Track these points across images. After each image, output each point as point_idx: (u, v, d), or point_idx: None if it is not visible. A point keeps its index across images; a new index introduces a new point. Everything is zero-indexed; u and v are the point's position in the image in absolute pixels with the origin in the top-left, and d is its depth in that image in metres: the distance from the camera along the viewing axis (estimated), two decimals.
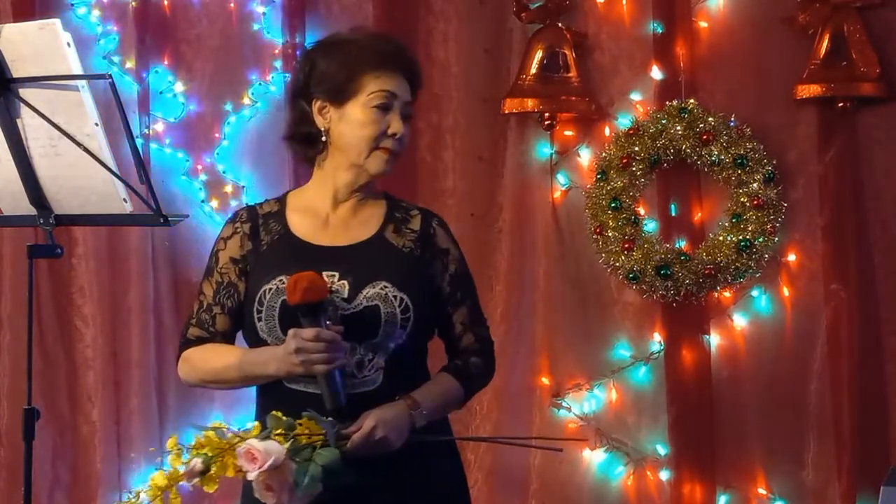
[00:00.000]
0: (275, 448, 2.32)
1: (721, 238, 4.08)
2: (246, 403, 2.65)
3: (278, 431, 2.35)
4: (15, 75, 2.50)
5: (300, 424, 2.38)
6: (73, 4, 4.42)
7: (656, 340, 4.18)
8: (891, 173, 4.06)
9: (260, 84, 4.40)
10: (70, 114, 2.50)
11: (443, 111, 4.33)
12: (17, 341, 4.39)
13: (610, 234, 4.12)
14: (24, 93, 2.51)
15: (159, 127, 4.43)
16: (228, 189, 4.42)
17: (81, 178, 2.56)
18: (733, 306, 4.15)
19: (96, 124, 2.50)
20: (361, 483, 2.42)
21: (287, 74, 4.24)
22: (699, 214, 4.18)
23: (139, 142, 4.26)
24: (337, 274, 2.52)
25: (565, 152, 4.26)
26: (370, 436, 2.41)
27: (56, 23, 2.47)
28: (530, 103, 4.18)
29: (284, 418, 2.37)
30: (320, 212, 2.63)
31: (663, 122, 4.10)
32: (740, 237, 4.05)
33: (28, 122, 2.54)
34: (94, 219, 2.74)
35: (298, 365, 2.43)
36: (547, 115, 4.17)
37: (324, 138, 2.59)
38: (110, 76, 2.50)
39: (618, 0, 4.22)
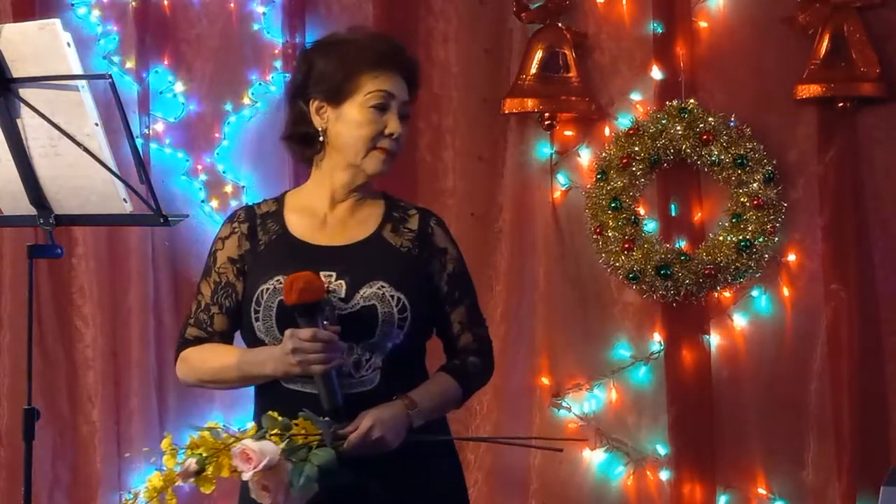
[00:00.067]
0: (270, 448, 2.32)
1: (721, 238, 4.08)
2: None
3: (274, 431, 2.35)
4: (15, 75, 2.50)
5: (296, 424, 2.38)
6: (73, 4, 4.42)
7: (656, 340, 4.18)
8: (891, 173, 4.06)
9: (260, 84, 4.40)
10: (70, 114, 2.50)
11: (443, 111, 4.33)
12: (17, 341, 4.39)
13: (610, 234, 4.12)
14: (24, 93, 2.51)
15: (159, 127, 4.43)
16: (228, 189, 4.42)
17: (81, 178, 2.56)
18: (733, 306, 4.15)
19: (96, 124, 2.50)
20: (358, 483, 2.43)
21: (287, 74, 4.24)
22: (699, 214, 4.18)
23: (139, 142, 4.26)
24: (334, 274, 2.52)
25: (565, 152, 4.26)
26: (367, 436, 2.41)
27: (56, 23, 2.47)
28: (530, 103, 4.18)
29: (280, 418, 2.37)
30: (318, 212, 2.63)
31: (663, 122, 4.10)
32: (740, 237, 4.05)
33: (28, 122, 2.55)
34: (94, 219, 2.74)
35: (295, 365, 2.43)
36: (547, 115, 4.17)
37: (321, 138, 2.59)
38: (110, 76, 2.50)
39: (618, 0, 4.22)
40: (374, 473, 2.47)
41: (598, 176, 4.15)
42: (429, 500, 2.58)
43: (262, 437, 2.34)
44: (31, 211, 2.63)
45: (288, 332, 2.43)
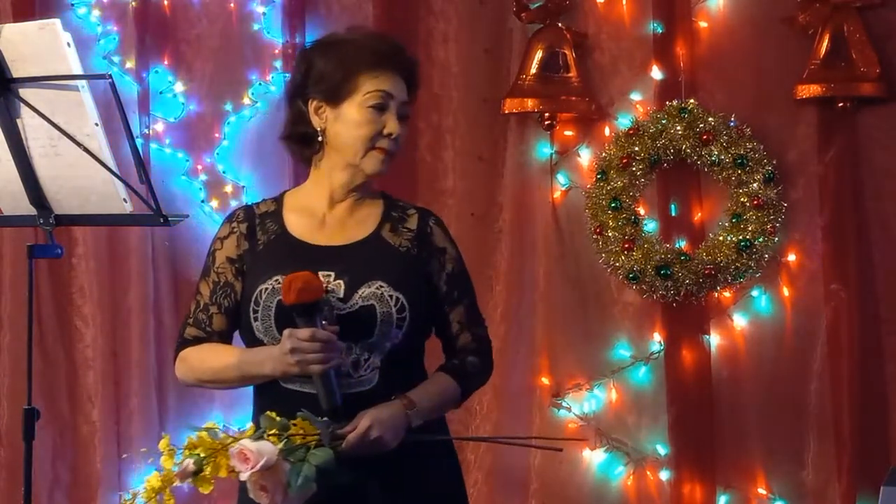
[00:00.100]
0: (267, 448, 2.32)
1: (721, 238, 4.08)
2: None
3: (272, 432, 2.35)
4: (15, 75, 2.50)
5: (294, 425, 2.38)
6: (73, 4, 4.42)
7: (656, 340, 4.18)
8: (891, 173, 4.06)
9: (260, 84, 4.40)
10: (70, 114, 2.50)
11: (443, 111, 4.33)
12: (17, 341, 4.39)
13: (610, 234, 4.12)
14: (24, 93, 2.51)
15: (159, 127, 4.43)
16: (228, 189, 4.42)
17: (81, 178, 2.56)
18: (733, 306, 4.15)
19: (96, 124, 2.50)
20: (357, 483, 2.43)
21: (287, 74, 4.24)
22: (699, 214, 4.18)
23: (139, 142, 4.26)
24: (333, 273, 2.52)
25: (565, 152, 4.26)
26: (365, 436, 2.41)
27: (56, 23, 2.47)
28: (530, 103, 4.18)
29: (278, 418, 2.38)
30: (317, 211, 2.63)
31: (663, 122, 4.10)
32: (740, 237, 4.05)
33: (28, 122, 2.55)
34: (94, 219, 2.74)
35: (294, 365, 2.43)
36: (547, 115, 4.17)
37: (320, 138, 2.59)
38: (110, 76, 2.50)
39: (618, 0, 4.22)
40: (373, 473, 2.47)
41: (598, 176, 4.15)
42: (427, 499, 2.58)
43: (260, 438, 2.34)
44: (31, 211, 2.63)
45: (286, 331, 2.43)
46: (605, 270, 4.18)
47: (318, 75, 2.58)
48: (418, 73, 2.66)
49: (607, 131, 4.22)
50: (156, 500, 2.31)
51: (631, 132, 4.13)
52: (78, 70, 2.48)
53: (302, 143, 2.63)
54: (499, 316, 4.24)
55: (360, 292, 2.51)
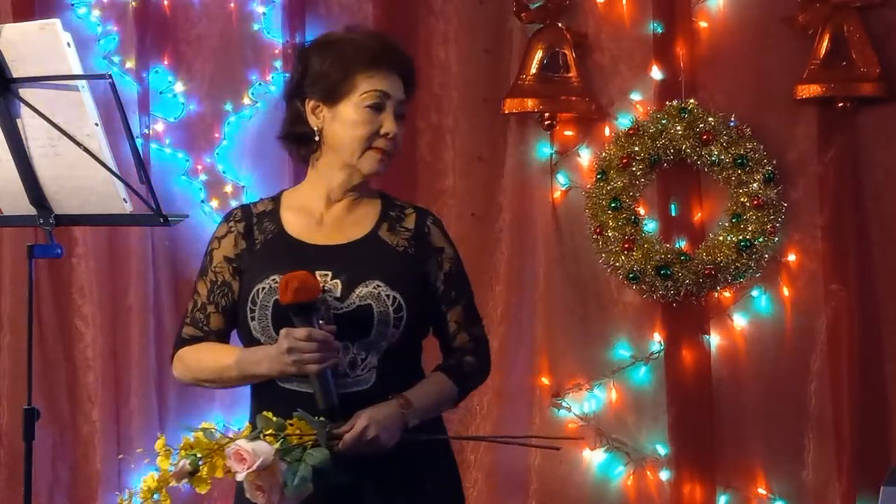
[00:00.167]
0: (263, 448, 2.32)
1: (721, 238, 4.08)
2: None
3: (269, 432, 2.35)
4: (15, 75, 2.50)
5: (291, 424, 2.38)
6: (73, 4, 4.42)
7: (656, 340, 4.18)
8: (891, 173, 4.06)
9: (260, 84, 4.40)
10: (70, 114, 2.50)
11: (443, 111, 4.33)
12: (17, 341, 4.39)
13: (610, 234, 4.12)
14: (24, 93, 2.51)
15: (159, 127, 4.43)
16: (228, 189, 4.42)
17: (81, 178, 2.56)
18: (733, 306, 4.15)
19: (96, 124, 2.51)
20: (353, 483, 2.43)
21: (287, 74, 4.24)
22: (699, 214, 4.18)
23: (139, 142, 4.26)
24: (330, 273, 2.52)
25: (565, 152, 4.26)
26: (362, 435, 2.41)
27: (56, 23, 2.47)
28: (530, 103, 4.18)
29: (275, 418, 2.38)
30: (314, 211, 2.63)
31: (663, 122, 4.10)
32: (740, 237, 4.05)
33: (28, 122, 2.55)
34: (94, 219, 2.74)
35: (291, 364, 2.43)
36: (547, 115, 4.17)
37: (317, 138, 2.59)
38: (110, 76, 2.51)
39: (618, 0, 4.22)
40: (369, 473, 2.47)
41: (598, 176, 4.15)
42: (424, 499, 2.58)
43: (257, 438, 2.34)
44: (31, 211, 2.63)
45: (283, 331, 2.43)
46: (605, 270, 4.18)
47: (315, 75, 2.58)
48: (415, 72, 2.65)
49: (607, 131, 4.22)
50: (151, 500, 2.32)
51: (631, 132, 4.13)
52: (78, 70, 2.48)
53: (299, 143, 2.63)
54: (499, 316, 4.24)
55: (357, 292, 2.51)
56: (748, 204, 4.06)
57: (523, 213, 4.27)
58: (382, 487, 2.51)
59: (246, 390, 2.65)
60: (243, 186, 4.41)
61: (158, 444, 2.35)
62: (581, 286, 4.24)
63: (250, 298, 2.54)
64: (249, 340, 2.57)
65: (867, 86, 4.00)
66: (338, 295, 2.50)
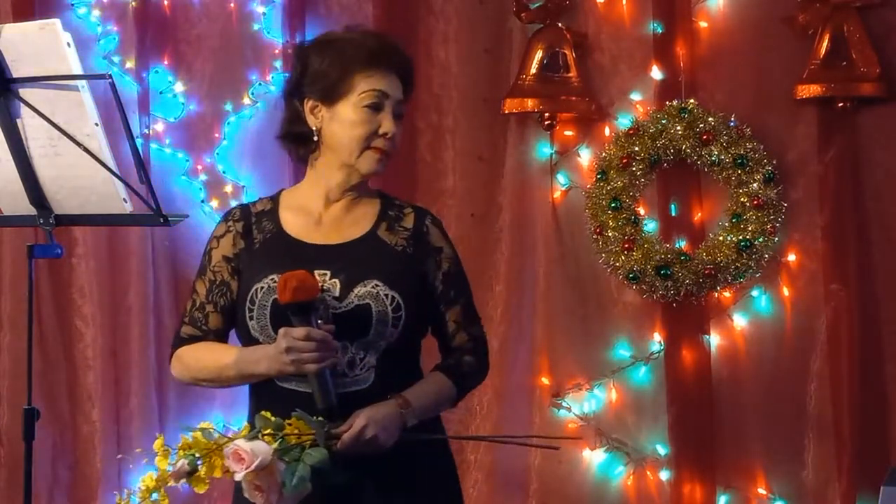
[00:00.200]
0: (262, 448, 2.32)
1: (721, 238, 4.08)
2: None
3: (267, 431, 2.35)
4: (15, 75, 2.50)
5: (289, 424, 2.38)
6: (73, 4, 4.42)
7: (656, 340, 4.18)
8: (891, 173, 4.06)
9: (260, 84, 4.40)
10: (70, 114, 2.50)
11: (443, 111, 4.33)
12: (17, 341, 4.39)
13: (610, 234, 4.12)
14: (24, 93, 2.51)
15: (159, 127, 4.43)
16: (228, 189, 4.42)
17: (81, 178, 2.56)
18: (733, 306, 4.15)
19: (96, 124, 2.50)
20: (351, 483, 2.43)
21: (287, 74, 4.24)
22: (699, 214, 4.18)
23: (139, 142, 4.26)
24: (328, 272, 2.52)
25: (565, 152, 4.26)
26: (360, 435, 2.41)
27: (56, 23, 2.47)
28: (530, 103, 4.18)
29: (273, 418, 2.38)
30: (313, 210, 2.63)
31: (663, 122, 4.10)
32: (740, 237, 4.05)
33: (28, 122, 2.55)
34: (94, 219, 2.74)
35: (289, 364, 2.43)
36: (547, 115, 4.17)
37: (315, 138, 2.59)
38: (110, 76, 2.50)
39: (618, 0, 4.22)
40: (368, 473, 2.47)
41: (598, 176, 4.15)
42: (423, 499, 2.58)
43: (255, 437, 2.35)
44: (31, 211, 2.63)
45: (282, 330, 2.43)
46: (605, 270, 4.18)
47: (314, 74, 2.58)
48: (414, 71, 2.65)
49: (607, 131, 4.22)
50: (149, 500, 2.32)
51: (631, 132, 4.13)
52: (78, 70, 2.48)
53: (298, 143, 2.63)
54: (499, 316, 4.24)
55: (355, 291, 2.51)
56: (748, 204, 4.06)
57: (523, 213, 4.27)
58: (381, 487, 2.51)
59: (246, 390, 2.65)
60: (243, 186, 4.41)
61: (157, 444, 2.35)
62: (581, 286, 4.24)
63: (249, 298, 2.54)
64: (248, 340, 2.56)
65: (867, 86, 4.01)
66: (336, 294, 2.50)
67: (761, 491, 4.11)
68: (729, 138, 4.07)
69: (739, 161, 4.05)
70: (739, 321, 4.14)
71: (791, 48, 4.09)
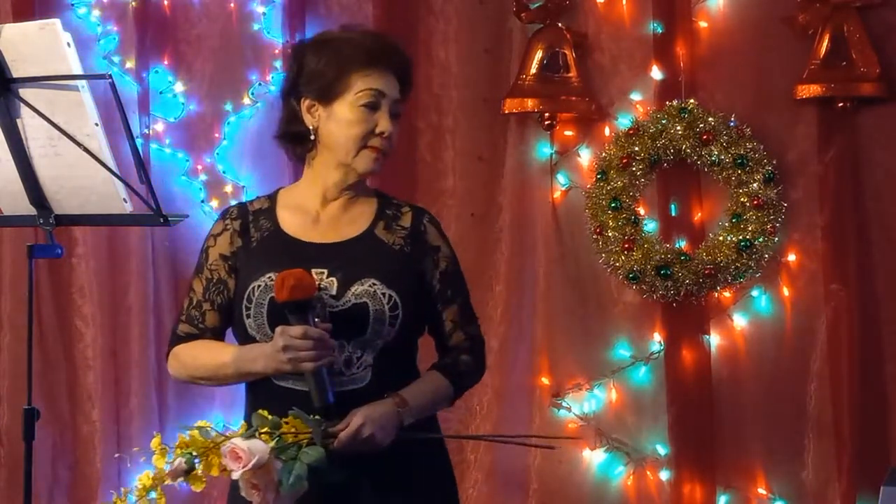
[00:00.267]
0: (259, 447, 2.32)
1: (721, 238, 4.08)
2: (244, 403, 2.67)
3: (264, 430, 2.36)
4: (15, 75, 2.50)
5: (286, 423, 2.38)
6: (73, 4, 4.42)
7: (656, 340, 4.18)
8: (891, 173, 4.06)
9: (260, 84, 4.40)
10: (70, 114, 2.50)
11: (443, 111, 4.33)
12: (17, 341, 4.39)
13: (610, 234, 4.12)
14: (24, 93, 2.51)
15: (159, 127, 4.43)
16: (228, 189, 4.42)
17: (81, 178, 2.56)
18: (733, 306, 4.15)
19: (96, 124, 2.51)
20: (348, 481, 2.43)
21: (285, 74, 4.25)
22: (699, 214, 4.18)
23: (139, 142, 4.26)
24: (326, 271, 2.52)
25: (565, 152, 4.26)
26: (357, 434, 2.41)
27: (56, 23, 2.47)
28: (530, 103, 4.18)
29: (270, 417, 2.38)
30: (311, 209, 2.63)
31: (663, 122, 4.10)
32: (740, 237, 4.05)
33: (28, 122, 2.55)
34: (94, 219, 2.74)
35: (286, 362, 2.43)
36: (547, 115, 4.17)
37: (312, 137, 2.59)
38: (110, 76, 2.51)
39: (618, 0, 4.22)
40: (365, 472, 2.47)
41: (598, 176, 4.15)
42: (419, 498, 2.58)
43: (252, 436, 2.35)
44: (31, 211, 2.63)
45: (279, 329, 2.43)
46: (605, 270, 4.18)
47: (311, 74, 2.58)
48: (411, 70, 2.65)
49: (607, 131, 4.22)
50: (146, 498, 2.32)
51: (631, 132, 4.13)
52: (78, 70, 2.48)
53: (295, 142, 2.63)
54: (499, 316, 4.24)
55: (352, 290, 2.51)
56: (748, 204, 4.06)
57: (523, 213, 4.27)
58: (378, 486, 2.51)
59: (244, 389, 2.65)
60: (243, 186, 4.40)
61: (154, 443, 2.35)
62: (581, 286, 4.24)
63: (246, 296, 2.54)
64: (245, 338, 2.57)
65: (867, 86, 4.01)
66: (333, 293, 2.51)
67: (761, 491, 4.11)
68: (729, 138, 4.07)
69: (739, 161, 4.05)
70: (739, 321, 4.14)
71: (791, 48, 4.09)
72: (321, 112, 2.58)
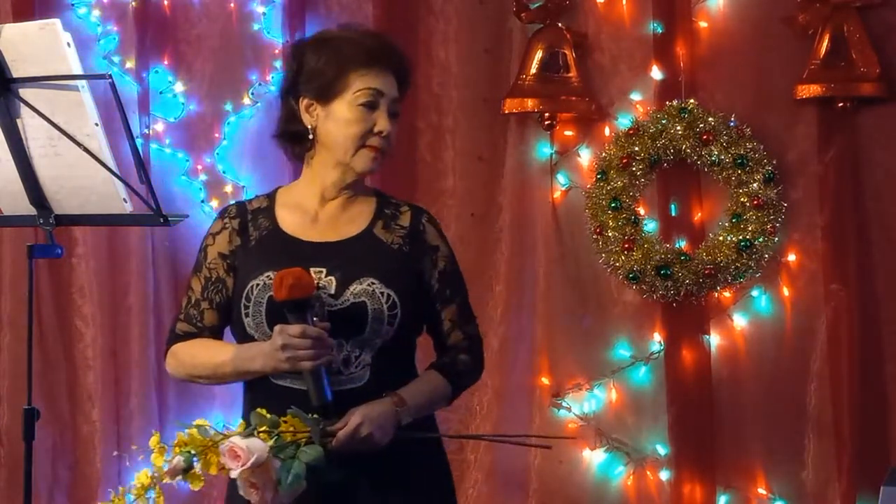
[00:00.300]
0: (258, 445, 2.32)
1: (721, 238, 4.08)
2: None
3: (263, 429, 2.36)
4: (15, 75, 2.51)
5: (285, 422, 2.38)
6: (73, 4, 4.42)
7: (656, 340, 4.18)
8: (891, 173, 4.06)
9: (260, 84, 4.40)
10: (70, 114, 2.50)
11: (443, 111, 4.33)
12: (17, 341, 4.39)
13: (610, 234, 4.12)
14: (24, 93, 2.51)
15: (159, 127, 4.43)
16: (228, 189, 4.42)
17: (81, 178, 2.56)
18: (733, 306, 4.15)
19: (96, 124, 2.51)
20: (346, 480, 2.43)
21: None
22: (699, 214, 4.18)
23: (139, 142, 4.26)
24: (324, 270, 2.52)
25: (565, 152, 4.26)
26: (355, 433, 2.42)
27: (56, 23, 2.47)
28: (530, 103, 4.18)
29: (269, 416, 2.38)
30: (309, 208, 2.63)
31: (663, 122, 4.10)
32: (740, 237, 4.05)
33: (28, 122, 2.55)
34: (94, 219, 2.74)
35: (284, 361, 2.43)
36: (547, 115, 4.17)
37: (311, 136, 2.59)
38: (110, 76, 2.51)
39: (618, 0, 4.22)
40: (363, 471, 2.47)
41: (598, 176, 4.15)
42: (417, 497, 2.58)
43: (251, 435, 2.35)
44: (31, 211, 2.63)
45: (277, 327, 2.43)
46: (605, 270, 4.18)
47: (310, 73, 2.58)
48: (409, 69, 2.65)
49: (607, 131, 4.22)
50: (145, 496, 2.32)
51: (631, 132, 4.13)
52: (78, 70, 2.48)
53: (294, 141, 2.63)
54: (499, 316, 4.24)
55: (351, 289, 2.51)
56: (748, 204, 4.06)
57: (523, 213, 4.27)
58: (376, 485, 2.51)
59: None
60: (243, 186, 4.40)
61: (153, 441, 2.35)
62: (581, 286, 4.24)
63: (244, 295, 2.54)
64: (243, 337, 2.57)
65: (867, 86, 4.01)
66: (332, 292, 2.51)
67: (761, 491, 4.11)
68: (729, 138, 4.07)
69: (739, 161, 4.05)
70: (739, 321, 4.14)
71: (791, 48, 4.09)
72: (320, 111, 2.58)
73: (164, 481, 2.32)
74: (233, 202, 2.74)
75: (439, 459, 2.68)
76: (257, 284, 2.52)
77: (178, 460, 2.33)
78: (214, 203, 4.40)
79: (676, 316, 4.15)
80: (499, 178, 4.30)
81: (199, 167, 4.43)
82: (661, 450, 4.16)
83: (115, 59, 4.41)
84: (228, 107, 4.42)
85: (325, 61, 2.56)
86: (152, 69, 4.43)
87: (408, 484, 2.55)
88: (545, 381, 4.23)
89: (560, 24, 4.19)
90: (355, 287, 2.51)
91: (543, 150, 4.25)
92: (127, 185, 2.56)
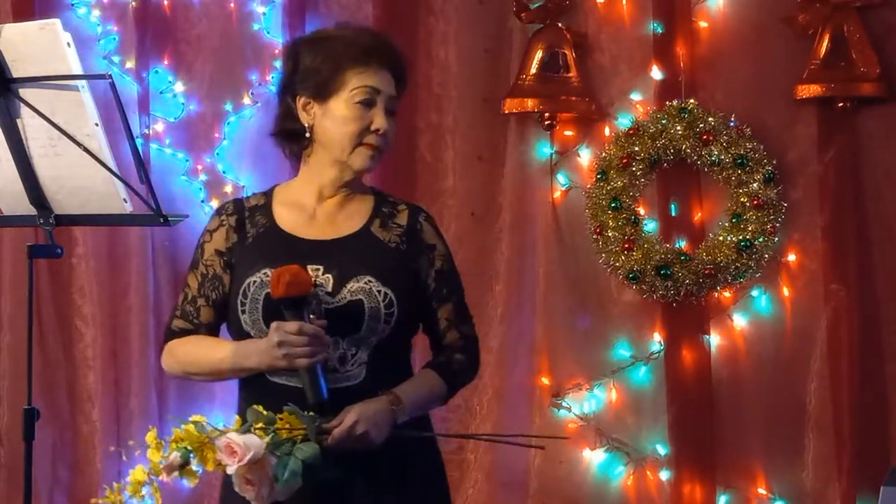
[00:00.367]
0: (254, 442, 2.32)
1: (721, 238, 4.08)
2: None
3: (259, 425, 2.36)
4: (15, 75, 2.50)
5: (281, 419, 2.38)
6: (73, 4, 4.43)
7: (656, 340, 4.18)
8: (891, 173, 4.06)
9: (260, 84, 4.40)
10: (70, 114, 2.50)
11: (443, 111, 4.33)
12: (17, 341, 4.40)
13: (610, 234, 4.12)
14: (24, 93, 2.51)
15: (159, 127, 4.43)
16: (228, 189, 4.42)
17: (81, 178, 2.56)
18: (733, 306, 4.15)
19: (96, 124, 2.51)
20: (342, 478, 2.44)
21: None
22: (699, 214, 4.18)
23: (139, 142, 4.26)
24: (321, 268, 2.52)
25: (565, 152, 4.26)
26: (351, 431, 2.41)
27: (56, 23, 2.47)
28: (530, 103, 4.18)
29: (265, 412, 2.38)
30: (307, 206, 2.62)
31: (663, 122, 4.11)
32: (740, 237, 4.05)
33: (28, 122, 2.55)
34: (94, 219, 2.74)
35: (281, 358, 2.43)
36: (547, 115, 4.17)
37: (308, 134, 2.59)
38: (110, 76, 2.51)
39: (618, 0, 4.22)
40: (359, 469, 2.47)
41: (598, 176, 4.15)
42: (412, 495, 2.58)
43: (247, 431, 2.35)
44: (31, 211, 2.63)
45: (274, 324, 2.43)
46: (605, 270, 4.18)
47: (306, 71, 2.58)
48: (406, 67, 2.64)
49: (607, 131, 4.22)
50: (140, 492, 2.32)
51: (631, 132, 4.13)
52: (78, 70, 2.48)
53: (291, 140, 2.63)
54: (499, 316, 4.24)
55: (348, 287, 2.51)
56: (748, 204, 4.06)
57: (523, 213, 4.27)
58: (371, 483, 2.51)
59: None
60: (243, 186, 4.41)
61: (149, 437, 2.35)
62: (581, 286, 4.24)
63: (241, 292, 2.54)
64: (240, 334, 2.56)
65: (867, 86, 4.01)
66: (329, 289, 2.51)
67: (761, 491, 4.11)
68: (729, 138, 4.07)
69: (739, 161, 4.05)
70: (739, 321, 4.14)
71: (791, 48, 4.09)
72: (316, 109, 2.58)
73: (161, 478, 2.32)
74: (230, 199, 2.74)
75: (435, 458, 2.68)
76: (254, 281, 2.52)
77: (175, 456, 2.33)
78: (214, 203, 4.40)
79: (676, 316, 4.15)
80: (499, 178, 4.30)
81: (199, 167, 4.44)
82: (661, 450, 4.16)
83: (115, 59, 4.41)
84: (228, 107, 4.42)
85: (322, 59, 2.56)
86: (152, 69, 4.43)
87: (403, 482, 2.55)
88: (545, 381, 4.23)
89: (560, 24, 4.19)
90: (352, 285, 2.51)
91: (543, 150, 4.25)
92: (127, 185, 2.56)
